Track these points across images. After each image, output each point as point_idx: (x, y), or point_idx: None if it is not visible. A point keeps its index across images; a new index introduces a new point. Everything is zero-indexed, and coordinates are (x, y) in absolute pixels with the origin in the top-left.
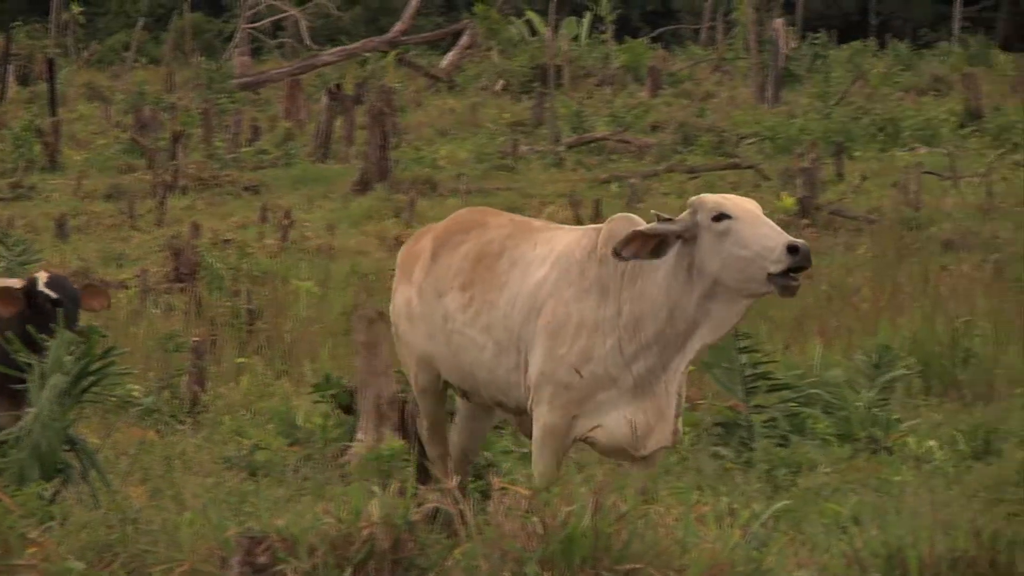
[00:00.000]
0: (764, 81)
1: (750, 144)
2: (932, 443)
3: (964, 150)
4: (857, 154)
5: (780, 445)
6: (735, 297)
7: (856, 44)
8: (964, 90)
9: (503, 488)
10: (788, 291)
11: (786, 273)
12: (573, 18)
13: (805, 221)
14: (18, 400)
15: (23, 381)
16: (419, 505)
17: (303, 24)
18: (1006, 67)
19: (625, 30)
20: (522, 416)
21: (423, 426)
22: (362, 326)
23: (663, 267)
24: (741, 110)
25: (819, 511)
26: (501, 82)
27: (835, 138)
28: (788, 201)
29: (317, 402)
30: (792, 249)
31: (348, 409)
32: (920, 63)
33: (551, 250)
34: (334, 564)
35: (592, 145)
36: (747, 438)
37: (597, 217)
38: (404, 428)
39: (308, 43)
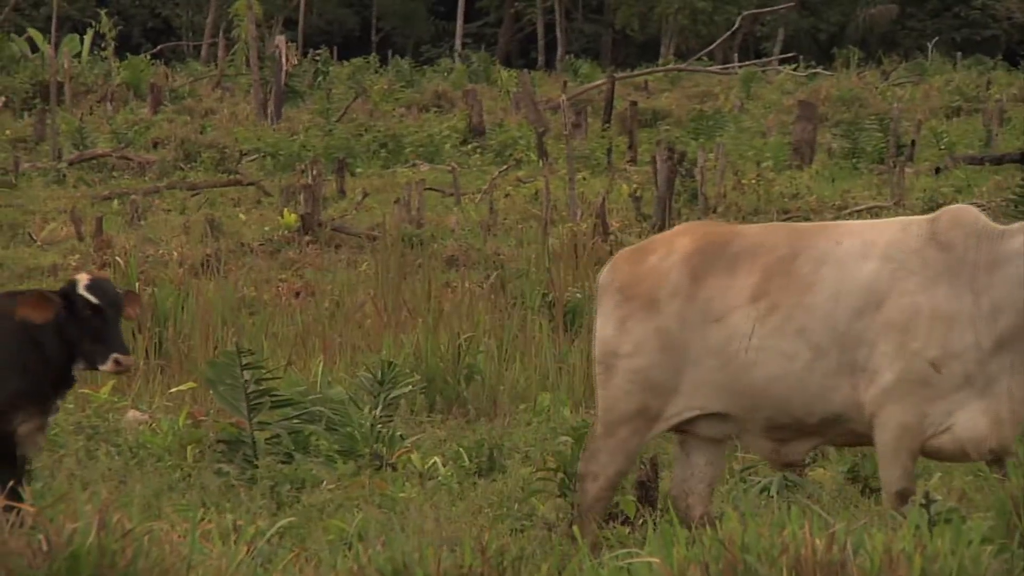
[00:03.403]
0: (266, 98)
1: (252, 161)
2: (436, 459)
3: (466, 167)
4: (359, 171)
5: (284, 462)
6: None
7: (358, 61)
8: (466, 106)
9: (8, 505)
10: None
11: None
12: (75, 35)
13: (308, 238)
14: (45, 408)
15: (53, 391)
16: None
17: None
18: (508, 83)
19: (127, 47)
20: (799, 439)
21: (605, 473)
22: None
23: None
24: (243, 127)
25: (324, 527)
26: (2, 99)
27: (337, 155)
28: (290, 218)
29: None
30: None
31: None
32: (422, 79)
33: (868, 243)
34: None
35: (94, 162)
36: (251, 455)
37: (99, 233)
38: None
39: None
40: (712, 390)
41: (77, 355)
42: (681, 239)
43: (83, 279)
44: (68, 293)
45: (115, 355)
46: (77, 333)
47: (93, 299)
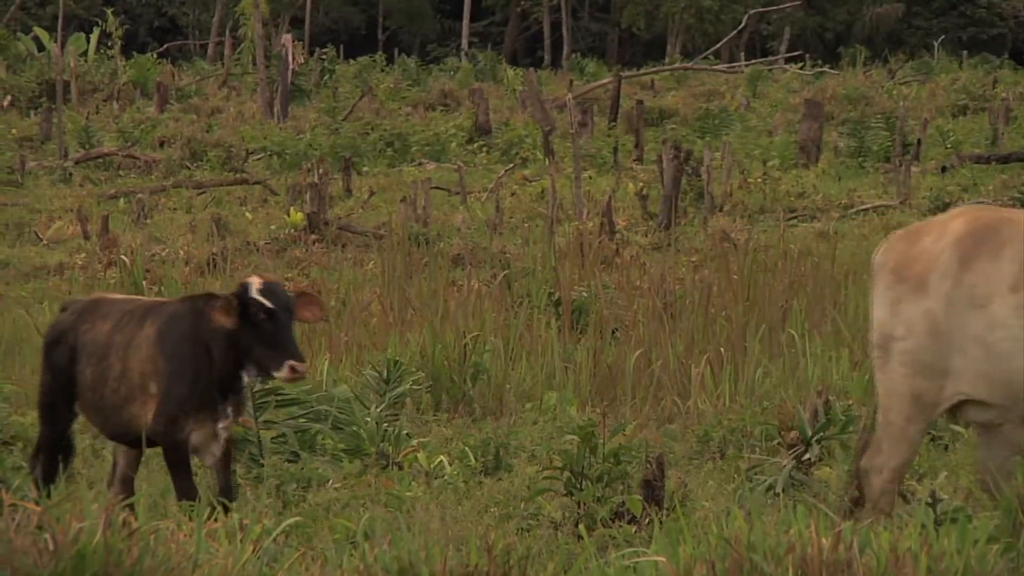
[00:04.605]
0: (272, 96)
1: (258, 159)
2: (442, 458)
3: (473, 165)
4: (365, 169)
5: (290, 461)
6: None
7: (364, 59)
8: (472, 105)
9: (14, 504)
10: None
11: None
12: (81, 34)
13: (313, 236)
14: (215, 416)
15: (221, 398)
16: None
17: None
18: (514, 82)
19: (133, 45)
20: None
21: (888, 465)
22: None
23: None
24: (249, 125)
25: (330, 526)
26: (8, 97)
27: (343, 153)
28: (296, 217)
29: None
30: None
31: None
32: (428, 78)
33: None
34: None
35: (100, 161)
36: (257, 454)
37: (105, 232)
38: None
39: None
40: (976, 377)
41: (247, 362)
42: (955, 221)
43: (256, 282)
44: (241, 296)
45: (291, 362)
46: (250, 339)
47: (268, 303)
